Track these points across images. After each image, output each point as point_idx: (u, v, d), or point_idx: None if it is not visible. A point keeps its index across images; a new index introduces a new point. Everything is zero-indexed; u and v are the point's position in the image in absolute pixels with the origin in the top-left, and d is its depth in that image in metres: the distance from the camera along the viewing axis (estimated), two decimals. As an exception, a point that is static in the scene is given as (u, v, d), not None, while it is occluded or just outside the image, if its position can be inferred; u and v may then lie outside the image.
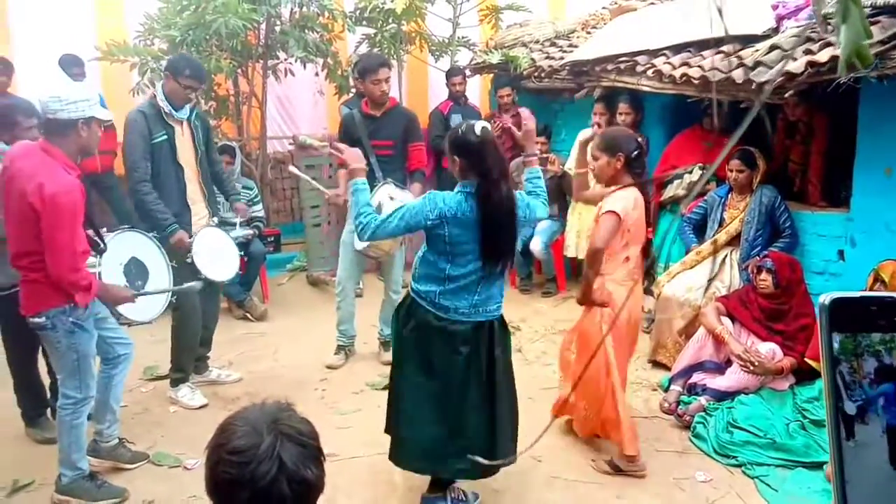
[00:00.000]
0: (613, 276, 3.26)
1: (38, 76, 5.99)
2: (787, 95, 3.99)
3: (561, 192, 6.05)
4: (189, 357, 4.18)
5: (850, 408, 0.54)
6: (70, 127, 2.86)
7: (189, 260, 3.81)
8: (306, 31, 6.23)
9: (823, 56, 3.75)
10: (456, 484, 3.08)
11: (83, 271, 2.94)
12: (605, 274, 3.24)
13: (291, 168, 4.76)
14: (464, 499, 3.09)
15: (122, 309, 3.29)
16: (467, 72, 7.02)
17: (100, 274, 3.16)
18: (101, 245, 3.18)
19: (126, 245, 3.45)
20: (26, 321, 2.95)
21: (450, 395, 2.89)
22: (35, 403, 3.70)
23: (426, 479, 3.26)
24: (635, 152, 3.21)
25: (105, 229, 3.42)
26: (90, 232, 3.08)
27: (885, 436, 0.53)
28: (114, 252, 3.30)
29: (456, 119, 6.55)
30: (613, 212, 3.09)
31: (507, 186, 2.77)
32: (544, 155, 6.05)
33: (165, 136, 3.88)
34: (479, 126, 2.76)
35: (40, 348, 3.49)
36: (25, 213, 2.81)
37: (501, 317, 2.97)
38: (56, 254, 2.82)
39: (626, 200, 3.14)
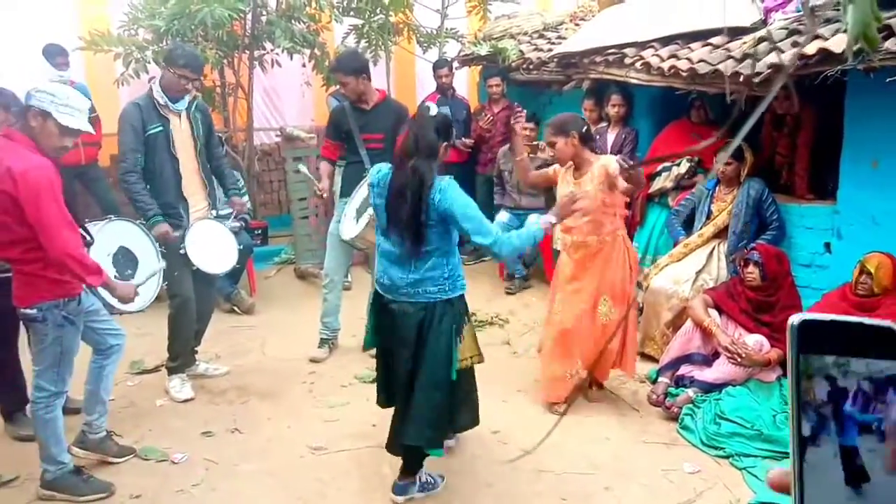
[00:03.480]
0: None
1: (20, 65, 5.91)
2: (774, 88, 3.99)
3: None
4: (184, 346, 4.14)
5: (806, 429, 0.54)
6: (26, 111, 2.84)
7: (182, 252, 3.78)
8: (293, 21, 6.17)
9: (811, 48, 3.76)
10: (424, 468, 3.16)
11: (83, 247, 2.90)
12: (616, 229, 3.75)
13: (301, 167, 4.77)
14: (432, 482, 3.17)
15: (112, 299, 3.26)
16: (455, 64, 6.99)
17: None
18: (88, 238, 3.15)
19: (113, 235, 3.43)
20: (6, 316, 2.91)
21: (397, 372, 3.01)
22: (13, 399, 3.65)
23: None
24: (584, 129, 3.66)
25: (87, 220, 3.39)
26: None
27: (839, 456, 0.53)
28: (101, 243, 3.27)
29: (443, 112, 6.51)
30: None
31: (424, 166, 2.82)
32: (534, 143, 6.04)
33: (160, 128, 3.83)
34: (426, 106, 3.06)
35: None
36: (0, 200, 2.77)
37: (444, 304, 2.93)
38: (49, 232, 2.78)
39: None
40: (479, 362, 3.09)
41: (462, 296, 3.03)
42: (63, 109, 2.83)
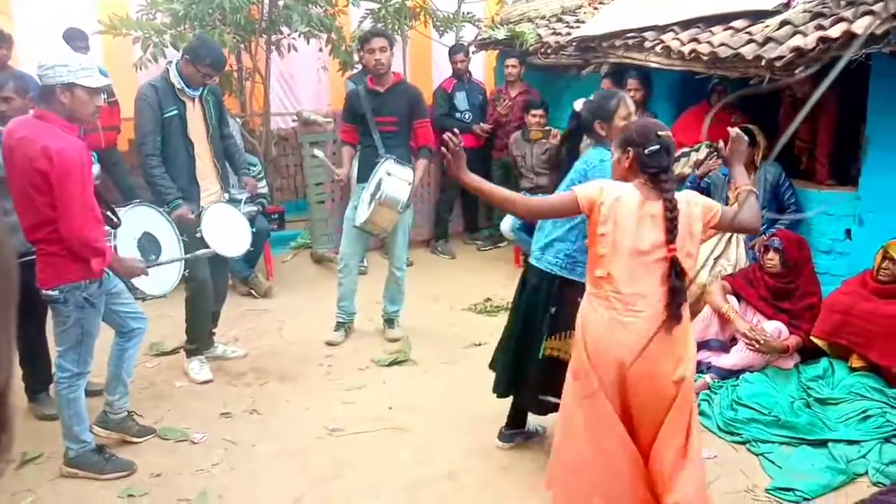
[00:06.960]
0: (586, 295, 2.53)
1: (39, 49, 5.95)
2: (797, 72, 3.94)
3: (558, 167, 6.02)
4: (202, 329, 4.18)
5: None
6: (51, 92, 2.86)
7: (199, 235, 3.81)
8: (310, 5, 6.15)
9: (835, 32, 3.70)
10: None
11: (98, 232, 2.94)
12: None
13: (316, 152, 4.77)
14: (536, 430, 3.44)
15: (136, 282, 3.31)
16: (472, 48, 6.94)
17: (115, 248, 3.16)
18: (116, 220, 3.19)
19: (138, 220, 3.46)
20: (33, 295, 2.95)
21: (517, 330, 3.17)
22: (38, 379, 3.71)
23: (432, 453, 3.29)
24: (650, 148, 2.39)
25: (114, 204, 3.42)
26: (102, 207, 3.07)
27: None
28: (127, 227, 3.30)
29: (460, 97, 6.50)
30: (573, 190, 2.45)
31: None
32: (546, 128, 6.01)
33: (176, 112, 3.85)
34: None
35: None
36: (34, 180, 2.80)
37: (570, 281, 2.96)
38: (69, 212, 2.81)
39: (604, 186, 2.44)
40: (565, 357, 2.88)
41: (576, 283, 2.86)
42: (82, 73, 2.87)
